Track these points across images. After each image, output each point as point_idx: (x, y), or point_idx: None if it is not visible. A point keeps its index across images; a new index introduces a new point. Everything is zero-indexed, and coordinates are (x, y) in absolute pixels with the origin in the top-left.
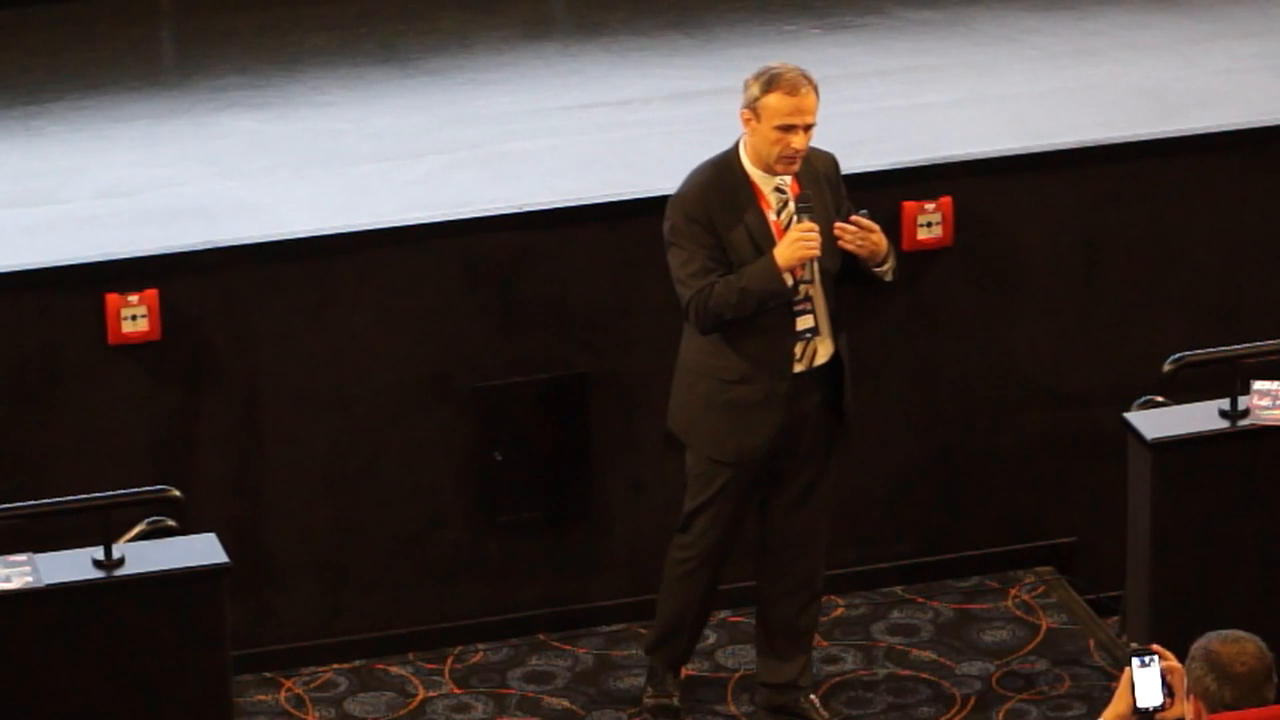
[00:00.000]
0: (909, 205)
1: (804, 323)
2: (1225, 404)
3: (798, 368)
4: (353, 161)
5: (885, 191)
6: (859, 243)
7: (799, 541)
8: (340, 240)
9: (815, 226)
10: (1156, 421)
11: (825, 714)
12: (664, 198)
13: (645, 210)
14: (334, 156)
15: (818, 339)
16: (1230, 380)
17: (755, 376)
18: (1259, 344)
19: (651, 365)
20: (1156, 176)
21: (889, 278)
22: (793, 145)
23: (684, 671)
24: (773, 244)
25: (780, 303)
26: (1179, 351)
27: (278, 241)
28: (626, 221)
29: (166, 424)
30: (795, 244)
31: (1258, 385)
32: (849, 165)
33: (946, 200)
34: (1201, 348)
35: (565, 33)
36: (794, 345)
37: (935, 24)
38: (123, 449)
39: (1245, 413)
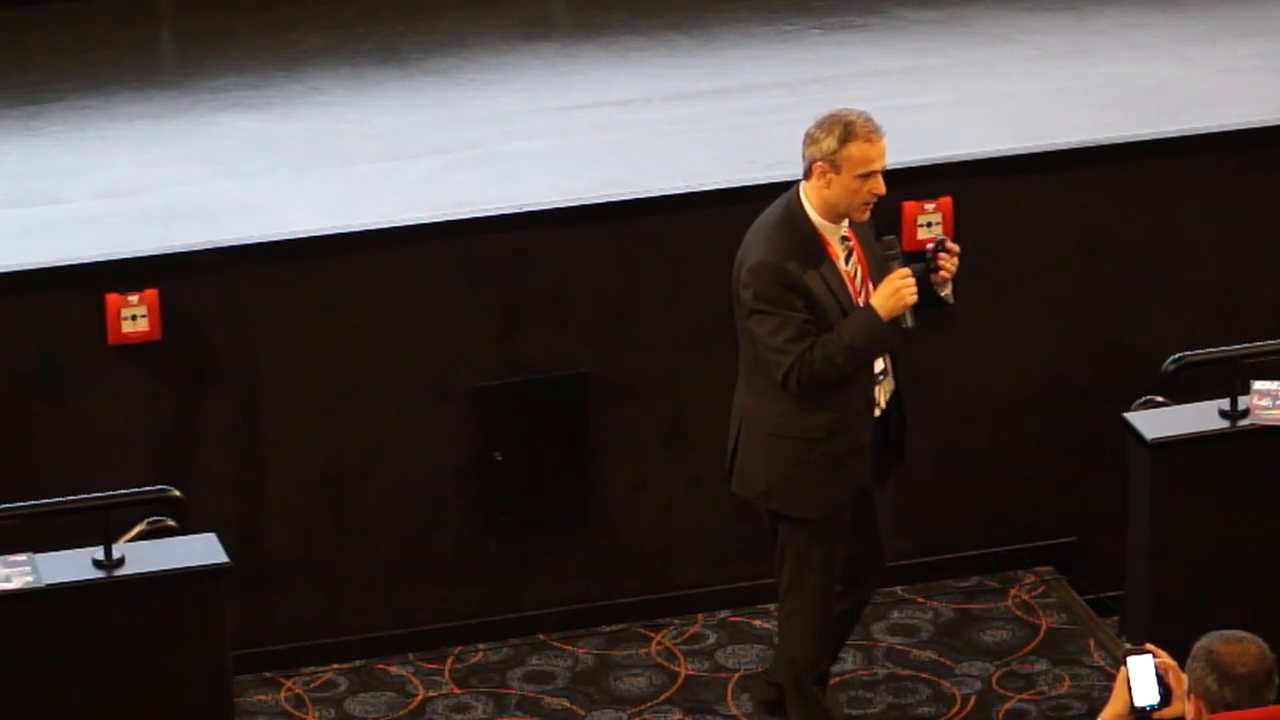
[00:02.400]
0: (909, 205)
1: (876, 366)
2: (1225, 404)
3: (877, 412)
4: (353, 161)
5: (885, 191)
6: (950, 268)
7: (873, 564)
8: (340, 240)
9: (910, 272)
10: (1156, 421)
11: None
12: (664, 198)
13: (645, 210)
14: (334, 156)
15: (886, 380)
16: (1230, 380)
17: (843, 430)
18: (1259, 344)
19: (651, 365)
20: (1156, 176)
21: (952, 300)
22: (876, 191)
23: None
24: (847, 295)
25: (885, 351)
26: (1179, 351)
27: (278, 241)
28: (626, 221)
29: (166, 424)
30: (898, 293)
31: (1258, 385)
32: None
33: (946, 200)
34: (1201, 348)
35: (565, 33)
36: (874, 391)
37: (935, 24)
38: (123, 449)
39: (1245, 413)
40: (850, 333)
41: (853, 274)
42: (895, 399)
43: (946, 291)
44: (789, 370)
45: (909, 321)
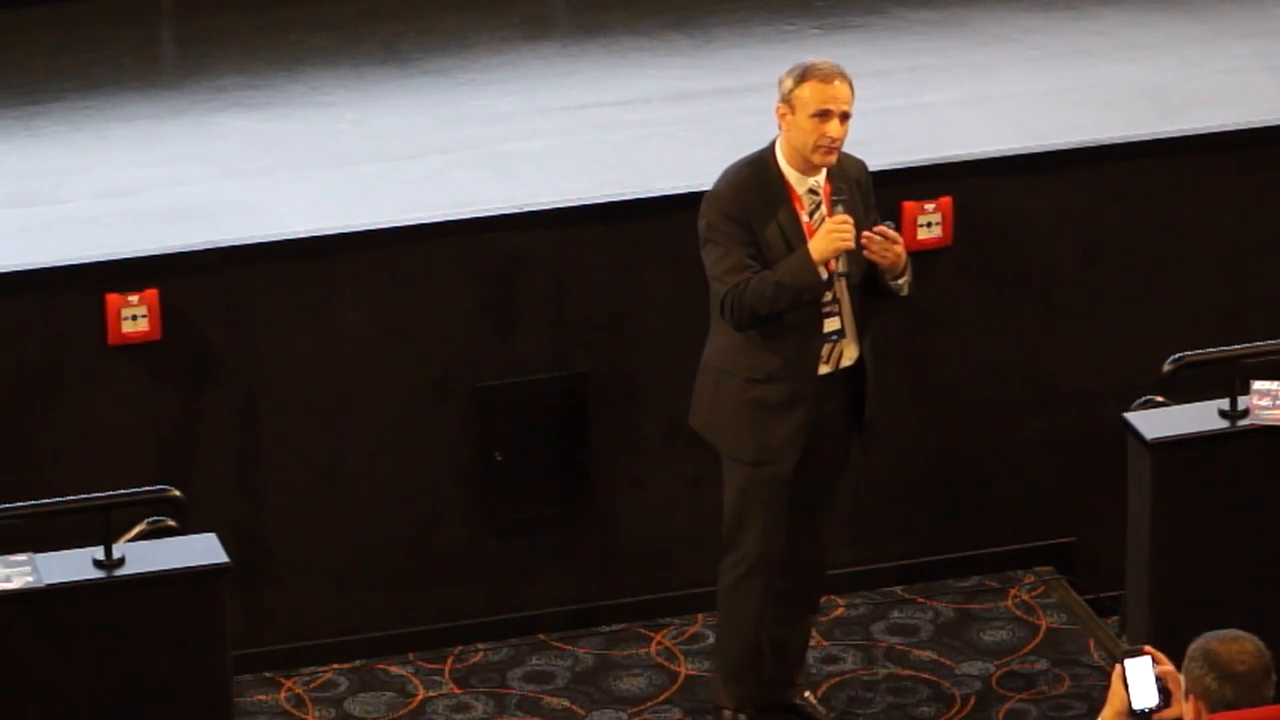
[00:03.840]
0: (909, 205)
1: (831, 325)
2: (1225, 404)
3: (823, 369)
4: (353, 161)
5: (885, 191)
6: (882, 253)
7: (813, 540)
8: (340, 240)
9: (849, 219)
10: (1156, 421)
11: (823, 710)
12: (665, 198)
13: (645, 210)
14: (334, 156)
15: (844, 341)
16: (1230, 380)
17: (782, 376)
18: (1259, 344)
19: (651, 365)
20: (1156, 176)
21: (904, 291)
22: (829, 133)
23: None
24: (804, 243)
25: (814, 297)
26: (1179, 351)
27: (278, 241)
28: (626, 221)
29: (166, 424)
30: (829, 235)
31: (1258, 385)
32: None
33: (946, 200)
34: (1201, 348)
35: (565, 33)
36: (821, 347)
37: (935, 24)
38: (123, 449)
39: (1245, 413)
40: (782, 271)
41: (815, 226)
42: (859, 369)
43: (901, 280)
44: (724, 299)
45: (841, 266)
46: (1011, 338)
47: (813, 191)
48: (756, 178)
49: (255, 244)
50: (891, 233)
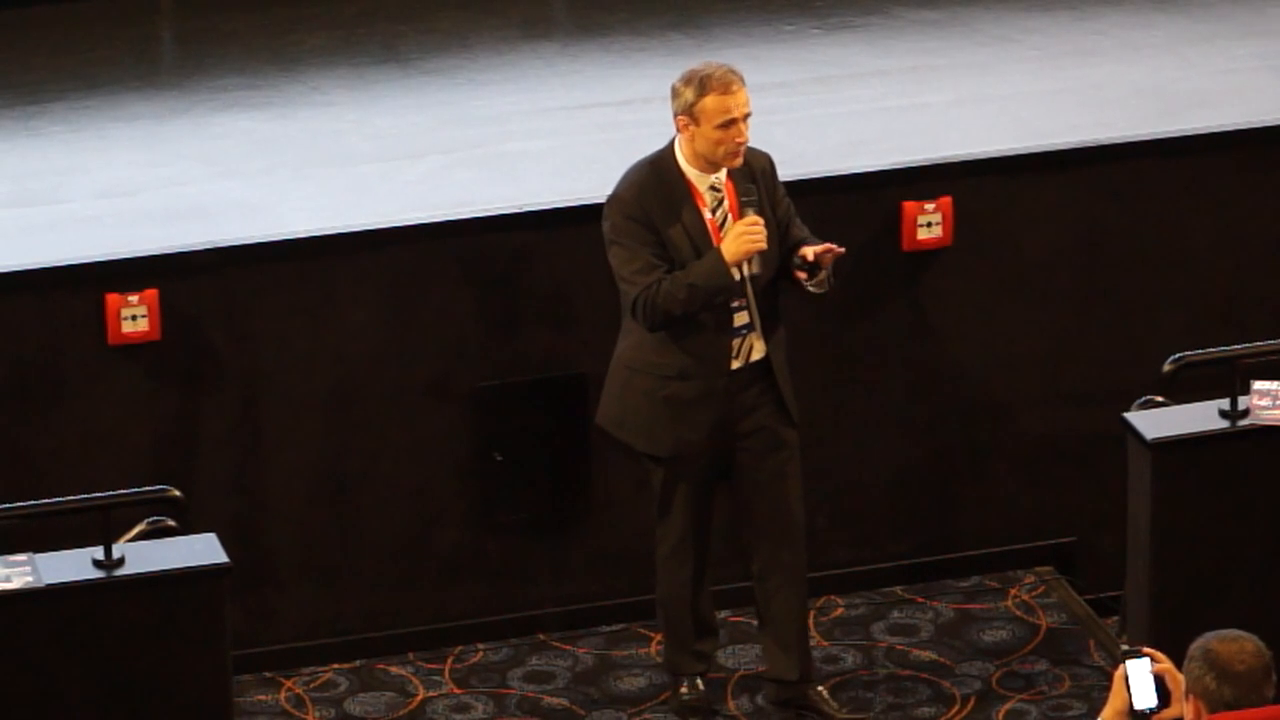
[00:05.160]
0: (909, 205)
1: (740, 319)
2: (1225, 404)
3: (735, 364)
4: (353, 161)
5: (885, 191)
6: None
7: (779, 533)
8: (340, 240)
9: (760, 220)
10: (1156, 421)
11: (835, 704)
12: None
13: None
14: (334, 156)
15: (752, 335)
16: (1230, 380)
17: (694, 372)
18: (1259, 344)
19: None
20: (1156, 176)
21: (824, 289)
22: (737, 139)
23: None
24: (708, 242)
25: (728, 298)
26: (1179, 351)
27: (278, 241)
28: None
29: (166, 424)
30: (741, 237)
31: (1258, 385)
32: (849, 165)
33: (946, 200)
34: (1201, 348)
35: (565, 33)
36: (731, 342)
37: (935, 24)
38: (123, 449)
39: (1245, 413)
40: (695, 273)
41: (719, 222)
42: (765, 363)
43: (816, 279)
44: (635, 301)
45: (755, 268)
46: (1011, 338)
47: (714, 189)
48: (657, 178)
49: (255, 244)
50: (836, 249)
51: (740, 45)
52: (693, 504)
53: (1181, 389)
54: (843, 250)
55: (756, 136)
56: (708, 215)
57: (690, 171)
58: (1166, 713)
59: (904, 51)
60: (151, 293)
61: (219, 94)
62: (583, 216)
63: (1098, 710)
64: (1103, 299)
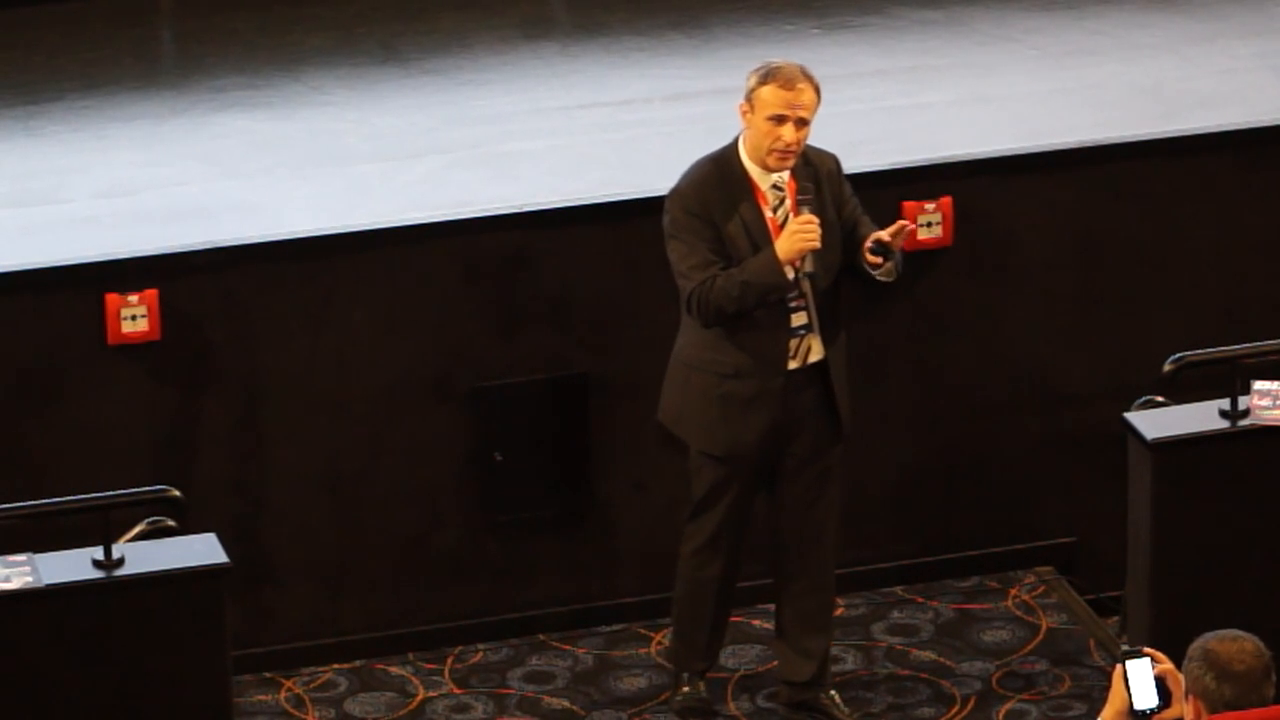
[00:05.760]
0: (909, 205)
1: (798, 319)
2: (1225, 404)
3: (792, 364)
4: (353, 161)
5: (885, 191)
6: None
7: (812, 539)
8: (340, 240)
9: (815, 219)
10: (1156, 421)
11: (846, 710)
12: (664, 198)
13: (645, 210)
14: (334, 156)
15: (810, 335)
16: (1230, 380)
17: (750, 371)
18: (1259, 344)
19: (651, 365)
20: (1156, 176)
21: (892, 276)
22: (783, 138)
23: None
24: (768, 240)
25: (780, 296)
26: (1179, 351)
27: (278, 241)
28: (626, 221)
29: (166, 424)
30: (795, 236)
31: (1258, 385)
32: (849, 165)
33: (946, 200)
34: (1201, 348)
35: (565, 33)
36: (788, 341)
37: (935, 24)
38: (123, 449)
39: (1245, 413)
40: (748, 270)
41: (780, 221)
42: (823, 366)
43: (888, 265)
44: (690, 296)
45: (809, 266)
46: (1011, 338)
47: (776, 187)
48: (720, 174)
49: (255, 244)
50: (909, 224)
51: (740, 45)
52: (734, 505)
53: (1181, 389)
54: (914, 227)
55: None
56: (768, 213)
57: (753, 169)
58: (1166, 713)
59: (904, 51)
60: (151, 293)
61: (219, 94)
62: (583, 216)
63: (1098, 710)
64: (1103, 299)
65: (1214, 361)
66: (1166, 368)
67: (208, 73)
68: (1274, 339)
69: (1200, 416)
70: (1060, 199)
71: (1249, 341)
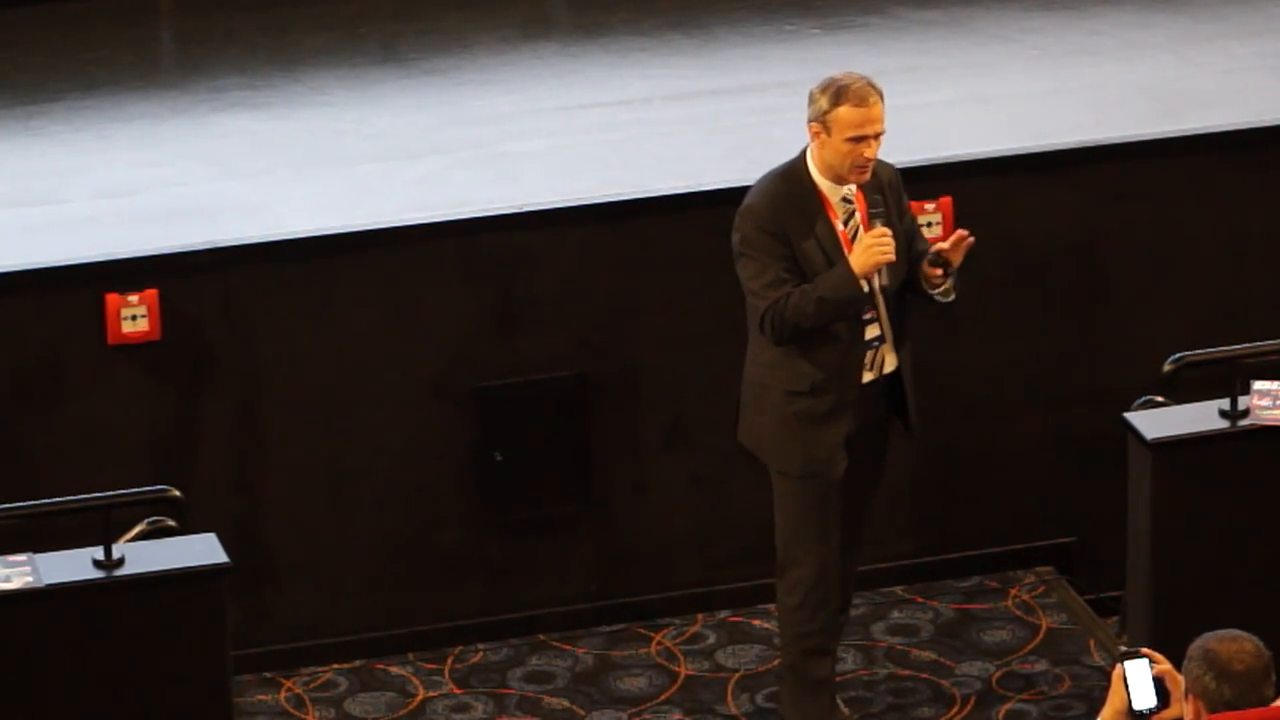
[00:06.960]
0: (909, 205)
1: (871, 331)
2: (1225, 404)
3: (867, 376)
4: (353, 161)
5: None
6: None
7: (851, 546)
8: (340, 240)
9: (889, 232)
10: (1156, 421)
11: (846, 711)
12: (665, 198)
13: (645, 210)
14: (334, 156)
15: (884, 347)
16: (1230, 380)
17: (827, 386)
18: (1259, 344)
19: (651, 365)
20: (1156, 176)
21: (950, 296)
22: (865, 155)
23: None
24: (841, 253)
25: (858, 311)
26: (1179, 351)
27: (278, 241)
28: (626, 221)
29: (166, 424)
30: (870, 250)
31: (1258, 385)
32: None
33: (946, 200)
34: (1201, 348)
35: (565, 33)
36: (864, 354)
37: (935, 24)
38: (123, 449)
39: (1245, 413)
40: (824, 286)
41: (851, 234)
42: (896, 376)
43: (940, 289)
44: (764, 315)
45: (884, 280)
46: (1012, 338)
47: (846, 200)
48: (790, 189)
49: (255, 244)
50: (967, 236)
51: (740, 45)
52: (828, 529)
53: (1181, 389)
54: (972, 239)
55: (759, 135)
56: (840, 227)
57: (823, 183)
58: (1166, 713)
59: (904, 51)
60: (151, 293)
61: (219, 94)
62: (583, 216)
63: (1097, 710)
64: (1103, 298)
65: (1214, 361)
66: (1166, 368)
67: (208, 73)
68: (1274, 339)
69: (1200, 416)
70: (1060, 199)
71: (1249, 341)
